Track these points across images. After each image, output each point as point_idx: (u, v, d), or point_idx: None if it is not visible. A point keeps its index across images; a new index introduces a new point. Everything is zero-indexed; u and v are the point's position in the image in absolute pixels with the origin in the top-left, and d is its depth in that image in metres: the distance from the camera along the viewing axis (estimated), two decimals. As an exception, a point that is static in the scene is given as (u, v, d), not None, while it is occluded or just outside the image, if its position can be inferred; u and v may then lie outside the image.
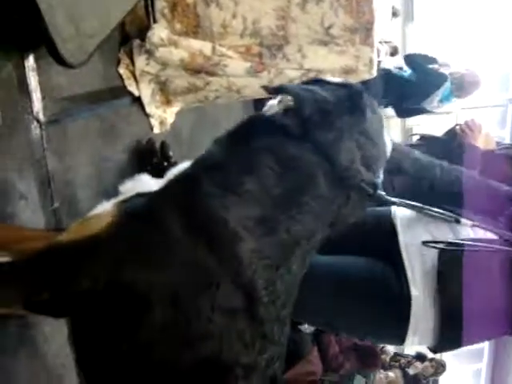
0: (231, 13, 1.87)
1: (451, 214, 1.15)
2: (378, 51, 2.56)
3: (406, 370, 4.16)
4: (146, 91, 2.02)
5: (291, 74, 1.94)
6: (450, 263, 1.17)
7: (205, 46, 1.89)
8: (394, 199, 1.06)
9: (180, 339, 0.76)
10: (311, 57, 1.92)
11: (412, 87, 3.56)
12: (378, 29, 1.90)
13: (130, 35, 1.98)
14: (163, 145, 2.16)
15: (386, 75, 3.51)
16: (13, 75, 1.37)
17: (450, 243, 1.17)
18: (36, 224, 1.41)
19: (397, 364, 4.17)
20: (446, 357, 4.46)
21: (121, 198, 0.90)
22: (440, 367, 4.19)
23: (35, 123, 1.45)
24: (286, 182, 0.86)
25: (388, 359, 4.17)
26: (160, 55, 1.89)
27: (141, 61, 1.93)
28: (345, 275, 1.30)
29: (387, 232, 1.31)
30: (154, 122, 2.14)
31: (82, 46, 1.19)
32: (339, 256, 1.33)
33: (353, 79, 1.90)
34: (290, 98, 0.94)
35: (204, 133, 2.59)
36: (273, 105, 0.98)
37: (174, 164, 0.98)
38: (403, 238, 1.28)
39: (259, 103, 2.86)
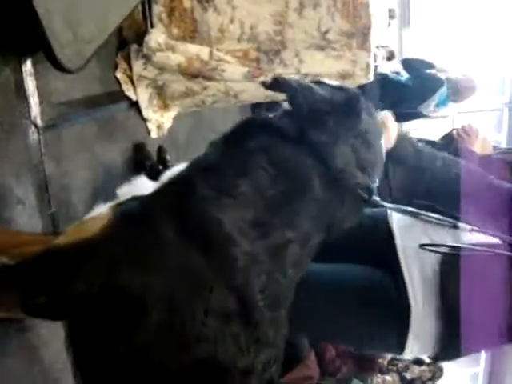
0: (229, 17, 1.87)
1: (449, 220, 1.12)
2: (375, 56, 2.56)
3: (404, 374, 4.14)
4: (143, 96, 2.02)
5: (288, 79, 1.94)
6: (453, 269, 1.11)
7: (202, 51, 1.89)
8: (389, 205, 1.05)
9: (175, 341, 0.76)
10: (308, 62, 1.93)
11: (409, 92, 3.57)
12: (374, 33, 1.91)
13: (127, 40, 1.99)
14: (160, 149, 2.16)
15: (383, 80, 3.51)
16: (10, 80, 1.37)
17: (452, 247, 1.11)
18: (33, 228, 1.41)
19: (394, 368, 4.14)
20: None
21: (117, 201, 0.90)
22: (437, 371, 4.17)
23: (33, 128, 1.45)
24: (280, 184, 0.85)
25: (385, 363, 4.14)
26: (157, 60, 1.89)
27: (138, 65, 1.93)
28: (340, 283, 1.25)
29: (384, 235, 1.27)
30: (152, 126, 2.14)
31: (79, 50, 1.20)
32: (336, 264, 1.29)
33: (350, 84, 1.90)
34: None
35: (201, 137, 2.59)
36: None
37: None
38: (400, 242, 1.23)
39: (256, 107, 2.88)
